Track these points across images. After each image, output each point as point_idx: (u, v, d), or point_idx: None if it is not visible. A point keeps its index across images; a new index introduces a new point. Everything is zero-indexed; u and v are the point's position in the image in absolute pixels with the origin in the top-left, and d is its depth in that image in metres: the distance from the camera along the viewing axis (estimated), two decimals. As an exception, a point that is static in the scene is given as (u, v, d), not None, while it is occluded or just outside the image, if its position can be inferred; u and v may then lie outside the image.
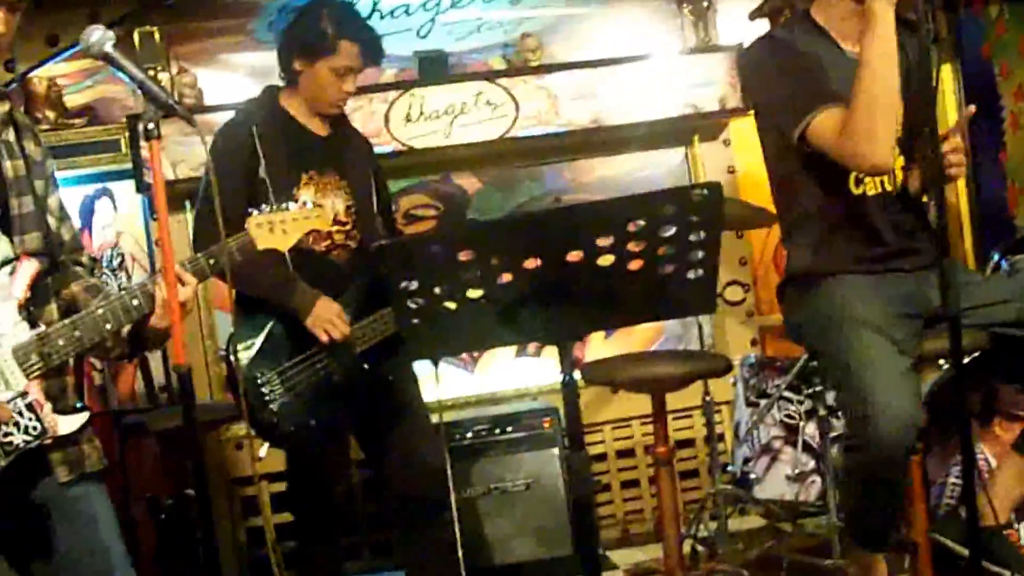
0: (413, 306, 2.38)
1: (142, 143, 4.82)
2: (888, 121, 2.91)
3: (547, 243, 2.30)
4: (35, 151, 2.64)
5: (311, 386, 3.61)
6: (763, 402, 4.54)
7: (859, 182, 3.13)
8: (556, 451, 4.70)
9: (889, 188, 3.15)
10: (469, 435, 4.71)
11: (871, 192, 3.14)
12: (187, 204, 4.95)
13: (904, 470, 3.01)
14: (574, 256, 2.32)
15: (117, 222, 5.21)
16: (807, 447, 4.42)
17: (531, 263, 2.31)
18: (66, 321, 2.47)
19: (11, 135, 2.57)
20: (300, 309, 3.55)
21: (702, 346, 4.89)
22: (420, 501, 3.75)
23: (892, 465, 2.90)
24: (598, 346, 5.43)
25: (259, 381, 3.55)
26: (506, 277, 2.33)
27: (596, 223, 2.31)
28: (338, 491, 4.05)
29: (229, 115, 3.86)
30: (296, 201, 2.93)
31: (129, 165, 4.93)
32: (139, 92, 2.41)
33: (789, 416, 4.49)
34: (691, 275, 2.42)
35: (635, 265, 2.36)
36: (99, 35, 2.40)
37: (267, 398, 3.55)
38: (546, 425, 4.74)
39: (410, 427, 3.77)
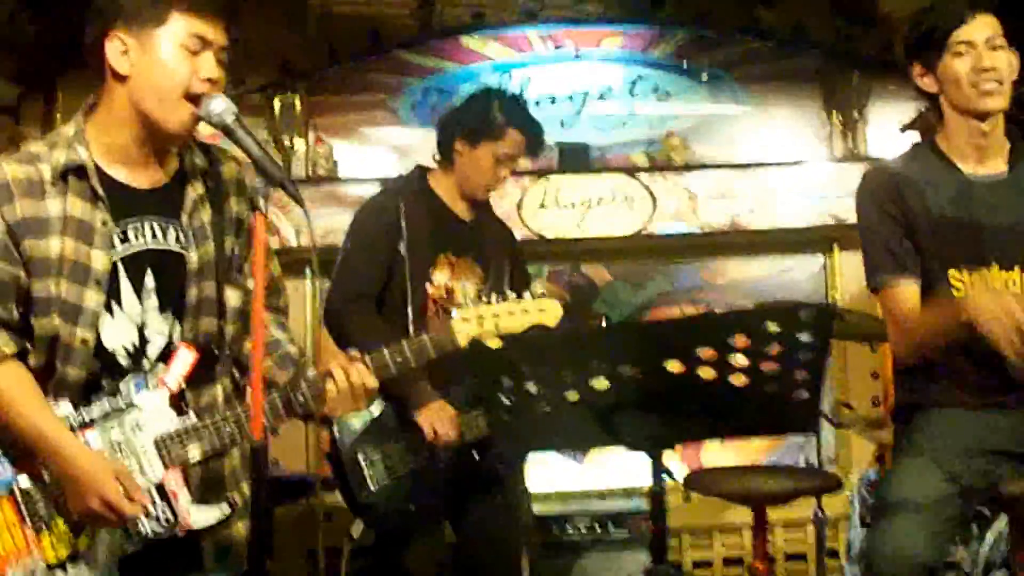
0: (505, 401, 2.33)
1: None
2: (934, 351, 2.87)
3: (645, 353, 2.25)
4: (238, 206, 2.49)
5: (413, 471, 3.56)
6: (879, 523, 4.33)
7: None
8: (655, 554, 4.57)
9: None
10: (569, 531, 4.62)
11: None
12: (307, 271, 5.05)
13: None
14: (674, 367, 2.26)
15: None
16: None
17: (629, 371, 2.26)
18: (210, 422, 2.35)
19: (206, 216, 2.42)
20: (414, 403, 3.51)
21: (819, 458, 4.71)
22: None
23: None
24: (715, 449, 5.27)
25: (361, 461, 3.53)
26: (603, 383, 2.28)
27: (695, 336, 2.25)
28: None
29: (360, 187, 3.89)
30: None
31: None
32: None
33: (906, 540, 4.26)
34: (795, 395, 2.34)
35: (738, 380, 2.29)
36: (222, 105, 2.22)
37: (367, 479, 3.53)
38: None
39: (496, 511, 3.68)
